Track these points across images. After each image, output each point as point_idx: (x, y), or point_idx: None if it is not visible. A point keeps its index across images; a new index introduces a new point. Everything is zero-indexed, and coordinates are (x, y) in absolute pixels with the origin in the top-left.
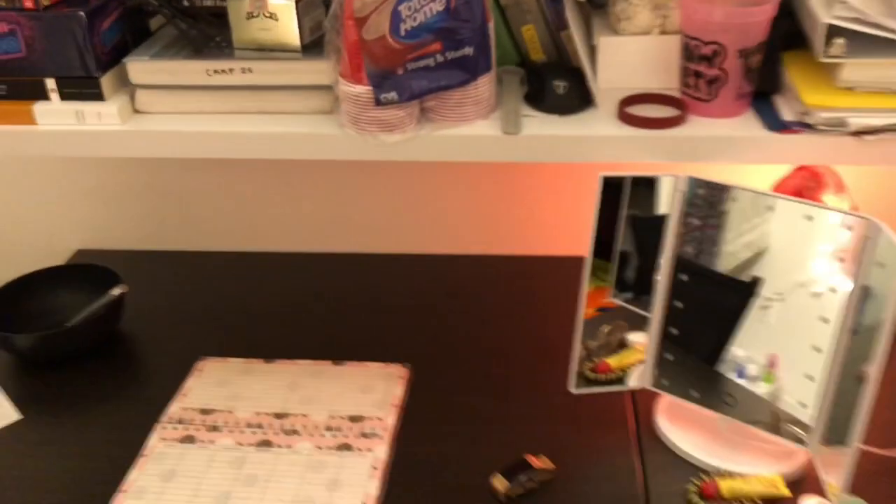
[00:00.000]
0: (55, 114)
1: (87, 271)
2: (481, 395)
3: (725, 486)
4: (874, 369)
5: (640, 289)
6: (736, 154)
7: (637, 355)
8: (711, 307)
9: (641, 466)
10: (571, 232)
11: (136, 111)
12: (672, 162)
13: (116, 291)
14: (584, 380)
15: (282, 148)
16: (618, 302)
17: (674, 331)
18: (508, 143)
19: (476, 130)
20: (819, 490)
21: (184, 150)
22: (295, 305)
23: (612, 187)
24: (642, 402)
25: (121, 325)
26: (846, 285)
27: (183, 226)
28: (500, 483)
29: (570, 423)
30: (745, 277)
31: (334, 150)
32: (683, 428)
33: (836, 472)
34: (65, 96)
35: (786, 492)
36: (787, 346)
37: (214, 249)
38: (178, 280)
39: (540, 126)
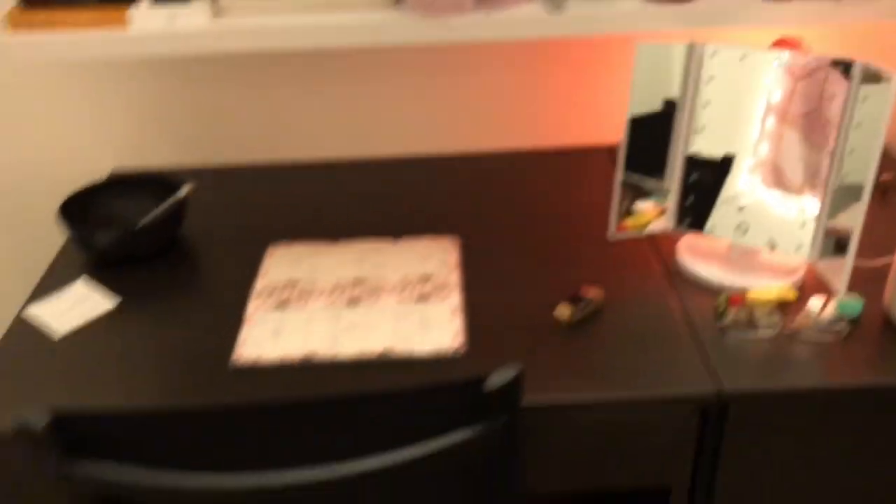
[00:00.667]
0: (147, 17)
1: (143, 181)
2: (528, 256)
3: (753, 295)
4: (868, 181)
5: (653, 161)
6: (741, 19)
7: (646, 216)
8: (725, 146)
9: (674, 290)
10: (600, 120)
11: (220, 12)
12: (691, 28)
13: (185, 190)
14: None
15: (353, 35)
16: (632, 180)
17: (694, 175)
18: (553, 20)
19: (525, 13)
20: (822, 293)
21: (266, 42)
22: (347, 203)
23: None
24: (663, 248)
25: (182, 230)
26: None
27: (220, 140)
28: (564, 311)
29: (607, 268)
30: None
31: (404, 33)
32: (702, 261)
33: (835, 279)
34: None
35: (795, 296)
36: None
37: (254, 162)
38: (226, 190)
39: (579, 5)
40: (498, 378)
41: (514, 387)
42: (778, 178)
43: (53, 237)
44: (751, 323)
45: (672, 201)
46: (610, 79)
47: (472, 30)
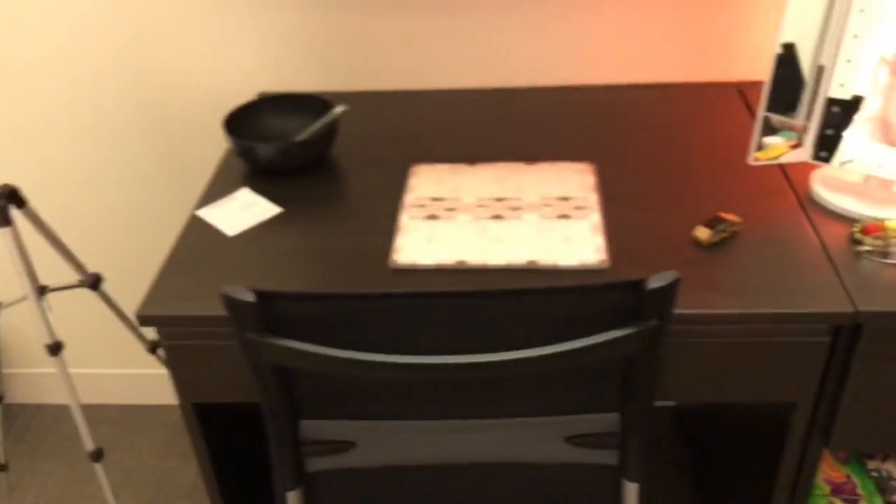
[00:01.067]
0: None
1: (293, 101)
2: (663, 182)
3: (890, 223)
4: None
5: (793, 95)
6: None
7: (778, 149)
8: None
9: (808, 219)
10: (729, 57)
11: None
12: None
13: (339, 109)
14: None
15: None
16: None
17: (835, 109)
18: None
19: None
20: None
21: None
22: (482, 127)
23: None
24: (796, 180)
25: (332, 150)
26: None
27: (352, 67)
28: (702, 232)
29: (743, 195)
30: None
31: None
32: (837, 192)
33: None
34: None
35: None
36: None
37: (394, 88)
38: (366, 114)
39: None
40: (656, 281)
41: (669, 292)
42: (886, 134)
43: (208, 148)
44: (886, 250)
45: (812, 133)
46: (739, 15)
47: None
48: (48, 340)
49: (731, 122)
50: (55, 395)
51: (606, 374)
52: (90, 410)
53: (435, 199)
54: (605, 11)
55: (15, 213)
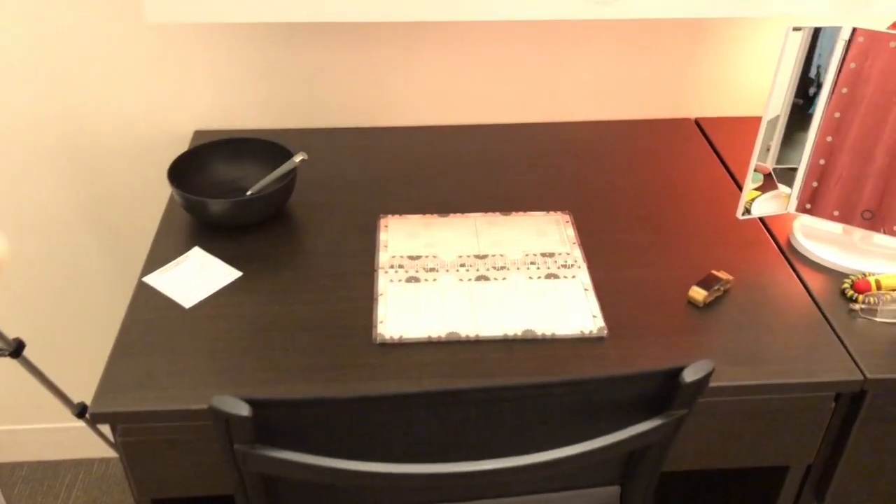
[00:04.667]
0: None
1: (245, 145)
2: (642, 230)
3: (880, 280)
4: None
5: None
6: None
7: (753, 194)
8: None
9: (794, 272)
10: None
11: None
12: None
13: (299, 158)
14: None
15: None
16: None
17: (821, 161)
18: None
19: None
20: None
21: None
22: (448, 169)
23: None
24: (774, 227)
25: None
26: None
27: (304, 104)
28: (698, 294)
29: (723, 244)
30: None
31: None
32: (818, 241)
33: None
34: None
35: None
36: None
37: (340, 126)
38: (322, 154)
39: None
40: (694, 373)
41: (705, 383)
42: None
43: (133, 189)
44: (879, 308)
45: (798, 184)
46: (700, 55)
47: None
48: None
49: (695, 158)
50: None
51: (627, 454)
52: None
53: (412, 258)
54: (568, 50)
55: None
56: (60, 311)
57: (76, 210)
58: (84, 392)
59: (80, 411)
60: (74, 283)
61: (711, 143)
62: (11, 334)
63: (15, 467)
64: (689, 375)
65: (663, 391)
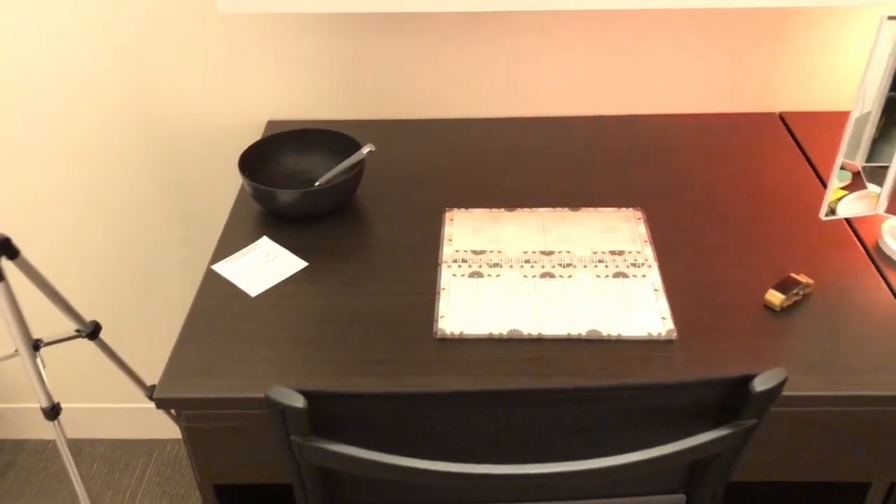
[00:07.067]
0: None
1: (314, 136)
2: (717, 230)
3: None
4: None
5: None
6: None
7: (839, 193)
8: None
9: (882, 276)
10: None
11: None
12: None
13: (366, 149)
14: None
15: None
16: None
17: None
18: None
19: None
20: None
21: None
22: (516, 162)
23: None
24: (860, 228)
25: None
26: None
27: (372, 94)
28: (775, 297)
29: (806, 245)
30: None
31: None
32: None
33: None
34: None
35: None
36: None
37: (408, 117)
38: (389, 145)
39: None
40: (765, 382)
41: (777, 392)
42: None
43: (212, 177)
44: None
45: (889, 183)
46: (785, 46)
47: None
48: (45, 404)
49: (778, 154)
50: (38, 430)
51: (694, 461)
52: (78, 446)
53: (476, 253)
54: (646, 41)
55: (7, 265)
56: (136, 296)
57: (153, 197)
58: (158, 375)
59: (152, 393)
60: (149, 269)
61: (796, 138)
62: (89, 317)
63: (95, 444)
64: (761, 384)
65: (732, 399)
